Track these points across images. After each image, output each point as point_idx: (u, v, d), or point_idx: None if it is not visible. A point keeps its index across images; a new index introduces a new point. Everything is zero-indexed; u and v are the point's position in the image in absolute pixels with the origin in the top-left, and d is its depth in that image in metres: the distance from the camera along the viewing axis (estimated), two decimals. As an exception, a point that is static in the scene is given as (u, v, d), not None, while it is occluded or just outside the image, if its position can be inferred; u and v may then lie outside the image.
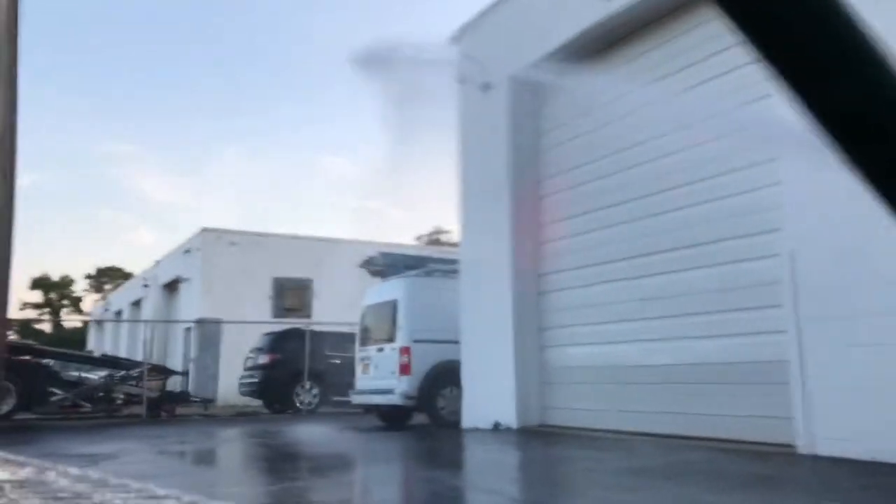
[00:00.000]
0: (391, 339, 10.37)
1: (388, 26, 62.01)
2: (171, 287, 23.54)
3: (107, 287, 46.67)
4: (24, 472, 5.45)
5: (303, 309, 17.21)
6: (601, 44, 8.39)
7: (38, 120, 51.42)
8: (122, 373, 13.58)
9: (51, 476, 5.21)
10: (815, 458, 5.43)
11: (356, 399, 11.14)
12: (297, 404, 14.61)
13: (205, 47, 65.18)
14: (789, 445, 5.73)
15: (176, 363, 18.25)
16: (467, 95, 10.07)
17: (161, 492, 4.49)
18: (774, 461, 5.62)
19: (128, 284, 32.46)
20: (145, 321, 23.40)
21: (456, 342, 9.75)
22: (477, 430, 9.00)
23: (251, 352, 15.57)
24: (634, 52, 8.10)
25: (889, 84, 0.34)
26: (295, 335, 15.19)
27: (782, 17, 0.33)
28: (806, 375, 5.65)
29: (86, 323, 38.50)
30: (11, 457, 6.33)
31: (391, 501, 5.01)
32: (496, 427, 8.86)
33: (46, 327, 43.89)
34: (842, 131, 0.35)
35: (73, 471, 5.41)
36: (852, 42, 0.34)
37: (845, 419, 5.36)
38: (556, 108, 9.36)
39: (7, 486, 4.78)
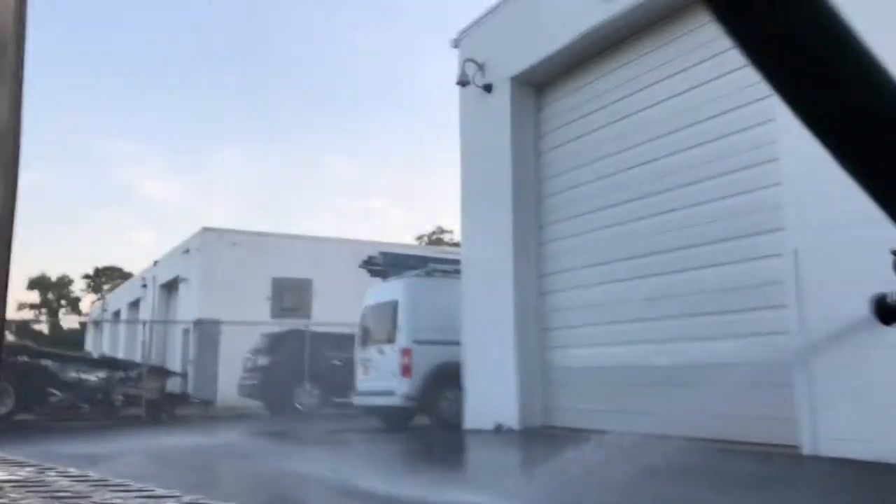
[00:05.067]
0: (392, 341, 10.34)
1: (390, 25, 62.06)
2: (170, 287, 23.49)
3: (105, 287, 46.61)
4: (24, 472, 5.41)
5: (302, 309, 17.17)
6: (602, 45, 8.39)
7: (37, 117, 51.42)
8: (121, 374, 13.54)
9: (50, 476, 5.17)
10: (819, 459, 5.41)
11: (357, 400, 11.11)
12: (298, 406, 14.58)
13: (206, 46, 65.19)
14: (793, 446, 5.72)
15: (175, 364, 18.22)
16: (468, 97, 10.08)
17: (162, 491, 4.46)
18: (778, 462, 5.61)
19: (126, 284, 32.40)
20: (144, 322, 23.36)
21: (457, 343, 9.72)
22: (479, 431, 8.98)
23: (250, 352, 15.51)
24: (634, 53, 8.10)
25: (877, 87, 0.34)
26: (295, 336, 15.15)
27: (771, 23, 0.34)
28: (810, 376, 5.63)
29: (84, 324, 38.45)
30: (10, 457, 6.29)
31: (391, 501, 4.98)
32: (498, 428, 8.84)
33: (44, 328, 43.78)
34: (830, 133, 0.35)
35: (73, 471, 5.38)
36: (840, 45, 0.34)
37: (849, 420, 5.35)
38: (557, 109, 9.36)
39: (7, 486, 4.74)
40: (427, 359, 10.02)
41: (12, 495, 4.42)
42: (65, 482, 4.89)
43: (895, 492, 4.48)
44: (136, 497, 4.32)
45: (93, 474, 5.22)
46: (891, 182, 0.36)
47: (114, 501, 4.24)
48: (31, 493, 4.45)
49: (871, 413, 5.19)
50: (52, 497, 4.34)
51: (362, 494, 5.05)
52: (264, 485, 5.69)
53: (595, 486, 5.12)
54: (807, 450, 5.60)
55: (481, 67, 9.84)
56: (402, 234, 71.95)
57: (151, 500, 4.24)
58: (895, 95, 0.33)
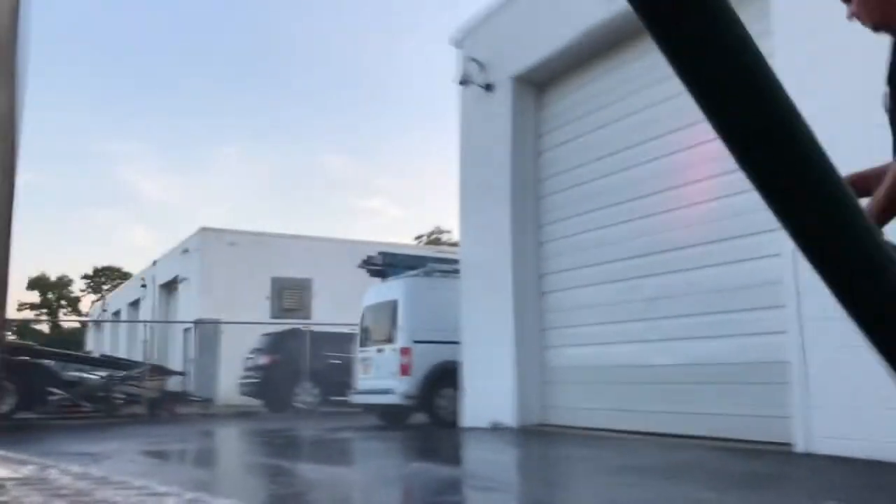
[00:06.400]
0: (391, 340, 10.40)
1: (389, 24, 62.10)
2: (170, 287, 23.53)
3: (105, 287, 46.64)
4: (26, 470, 5.46)
5: (302, 309, 17.21)
6: (602, 45, 8.42)
7: (35, 117, 51.44)
8: (122, 373, 13.61)
9: (52, 474, 5.22)
10: (812, 457, 5.46)
11: (356, 399, 11.17)
12: (297, 404, 14.65)
13: (204, 46, 65.23)
14: (787, 444, 5.77)
15: (175, 363, 18.26)
16: (469, 96, 10.12)
17: (162, 489, 4.51)
18: (772, 460, 5.65)
19: (126, 284, 32.46)
20: (144, 322, 23.40)
21: (455, 343, 9.78)
22: (476, 429, 9.03)
23: (251, 352, 15.59)
24: (635, 53, 8.13)
25: (773, 100, 0.40)
26: (294, 336, 15.22)
27: (690, 37, 0.39)
28: (807, 375, 5.68)
29: (84, 323, 38.49)
30: (12, 455, 6.34)
31: (390, 499, 5.03)
32: (495, 426, 8.89)
33: (44, 328, 43.83)
34: (734, 141, 0.40)
35: (75, 469, 5.43)
36: (746, 62, 0.39)
37: (842, 418, 5.39)
38: (557, 109, 9.41)
39: (9, 484, 4.79)
40: (426, 358, 10.08)
41: (14, 493, 4.47)
42: (66, 480, 4.95)
43: (886, 489, 4.53)
44: (138, 494, 4.37)
45: (94, 472, 5.27)
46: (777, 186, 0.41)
47: (115, 499, 4.29)
48: (33, 491, 4.50)
49: (863, 411, 5.23)
50: (53, 494, 4.38)
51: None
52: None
53: (588, 483, 5.18)
54: (800, 447, 5.64)
55: (482, 67, 9.86)
56: (402, 233, 71.95)
57: (151, 498, 4.29)
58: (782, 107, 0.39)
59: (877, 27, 1.76)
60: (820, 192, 0.42)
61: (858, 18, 1.77)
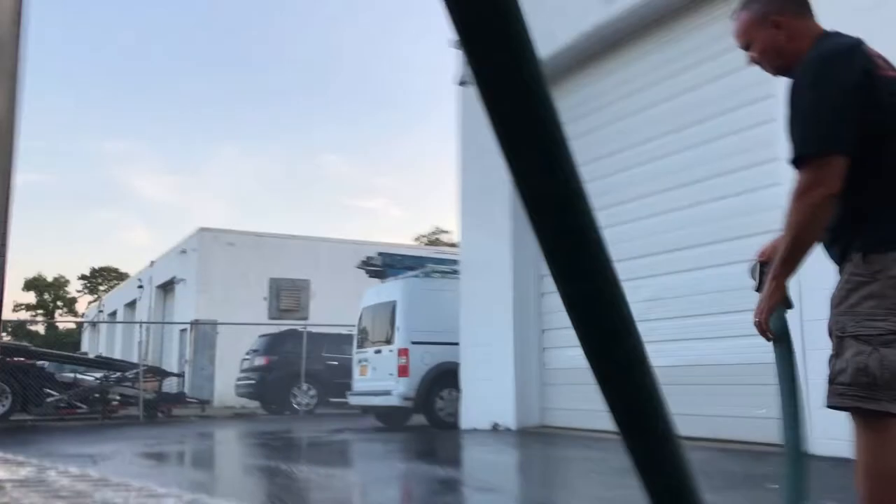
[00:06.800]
0: (389, 341, 10.37)
1: (389, 24, 62.14)
2: (167, 287, 23.48)
3: (101, 288, 46.52)
4: (24, 472, 5.43)
5: (300, 310, 17.17)
6: (602, 46, 8.43)
7: (33, 117, 51.34)
8: (118, 374, 13.56)
9: (51, 475, 5.19)
10: (813, 458, 5.45)
11: (354, 400, 11.14)
12: (295, 405, 14.61)
13: (202, 45, 65.17)
14: (788, 446, 5.76)
15: (171, 364, 18.22)
16: (468, 96, 10.11)
17: (161, 490, 4.49)
18: (773, 461, 5.65)
19: (123, 285, 32.38)
20: (140, 322, 23.34)
21: (454, 344, 9.76)
22: (476, 430, 9.01)
23: (248, 353, 15.56)
24: (635, 53, 8.14)
25: (560, 166, 0.43)
26: (292, 337, 15.18)
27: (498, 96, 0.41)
28: (806, 376, 5.67)
29: (80, 324, 38.36)
30: (10, 456, 6.31)
31: (388, 500, 5.01)
32: (495, 428, 8.88)
33: (40, 329, 43.66)
34: (527, 201, 0.44)
35: (73, 470, 5.39)
36: (544, 126, 0.43)
37: (843, 419, 5.37)
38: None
39: (8, 486, 4.76)
40: (424, 359, 10.06)
41: (14, 494, 4.43)
42: (65, 481, 4.91)
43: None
44: (137, 495, 4.34)
45: (93, 473, 5.24)
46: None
47: (115, 500, 4.26)
48: (32, 492, 4.46)
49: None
50: (53, 496, 4.35)
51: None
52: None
53: (589, 484, 5.16)
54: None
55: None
56: (401, 234, 71.93)
57: (151, 499, 4.26)
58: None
59: (777, 72, 2.03)
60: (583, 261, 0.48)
61: (759, 64, 2.02)
